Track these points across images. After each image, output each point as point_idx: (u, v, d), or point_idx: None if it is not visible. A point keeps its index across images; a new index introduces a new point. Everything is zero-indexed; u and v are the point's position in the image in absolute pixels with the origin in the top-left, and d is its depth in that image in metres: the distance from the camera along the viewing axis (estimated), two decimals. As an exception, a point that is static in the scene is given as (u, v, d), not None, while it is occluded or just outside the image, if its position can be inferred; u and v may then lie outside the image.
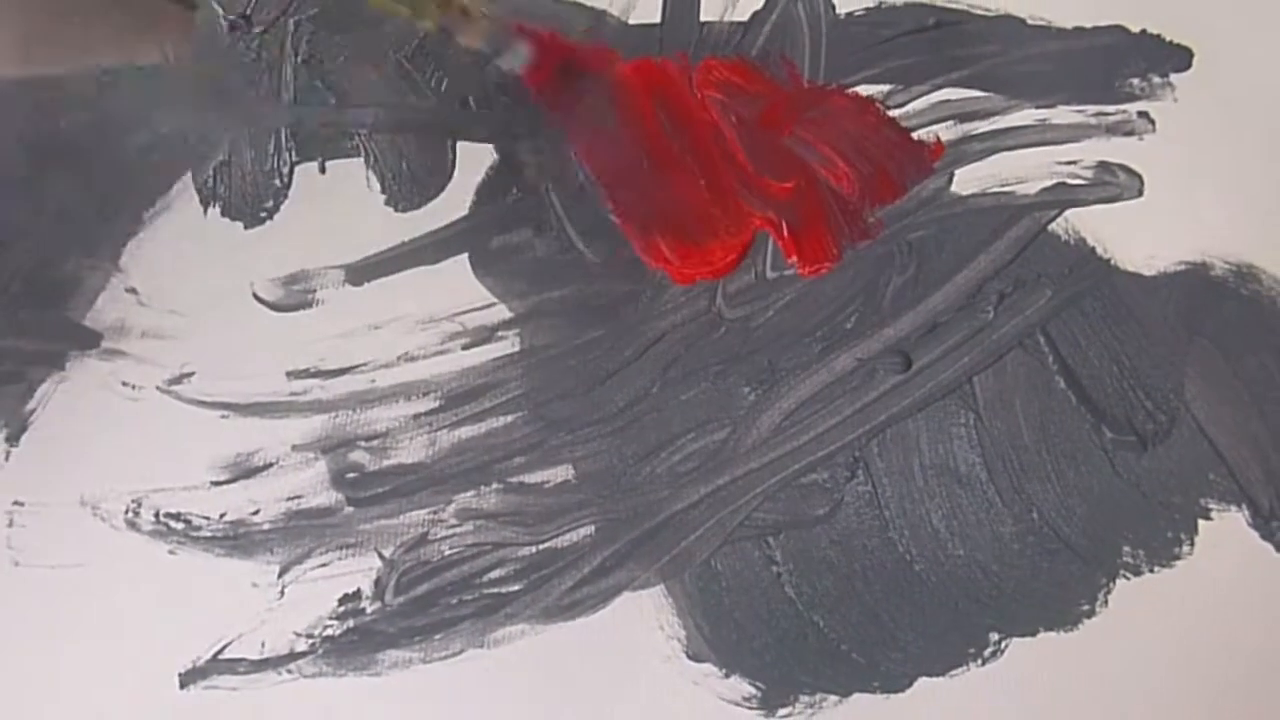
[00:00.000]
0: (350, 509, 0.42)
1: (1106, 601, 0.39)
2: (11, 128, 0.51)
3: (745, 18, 0.49)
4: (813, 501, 0.41)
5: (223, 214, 0.48)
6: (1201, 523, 0.40)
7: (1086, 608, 0.39)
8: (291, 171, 0.49)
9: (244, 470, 0.43)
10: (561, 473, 0.42)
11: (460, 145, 0.48)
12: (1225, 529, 0.40)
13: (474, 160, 0.47)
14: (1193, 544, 0.40)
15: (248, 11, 0.53)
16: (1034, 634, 0.39)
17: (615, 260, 0.45)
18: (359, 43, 0.51)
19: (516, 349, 0.44)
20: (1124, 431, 0.42)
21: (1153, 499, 0.41)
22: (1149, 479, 0.41)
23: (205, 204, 0.49)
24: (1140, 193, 0.45)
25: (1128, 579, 0.40)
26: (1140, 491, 0.41)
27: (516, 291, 0.45)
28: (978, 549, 0.40)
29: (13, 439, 0.44)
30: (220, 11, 0.53)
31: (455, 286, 0.45)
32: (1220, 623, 0.39)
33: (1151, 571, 0.40)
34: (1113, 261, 0.44)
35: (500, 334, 0.44)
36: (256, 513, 0.42)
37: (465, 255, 0.46)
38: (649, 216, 0.45)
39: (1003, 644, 0.39)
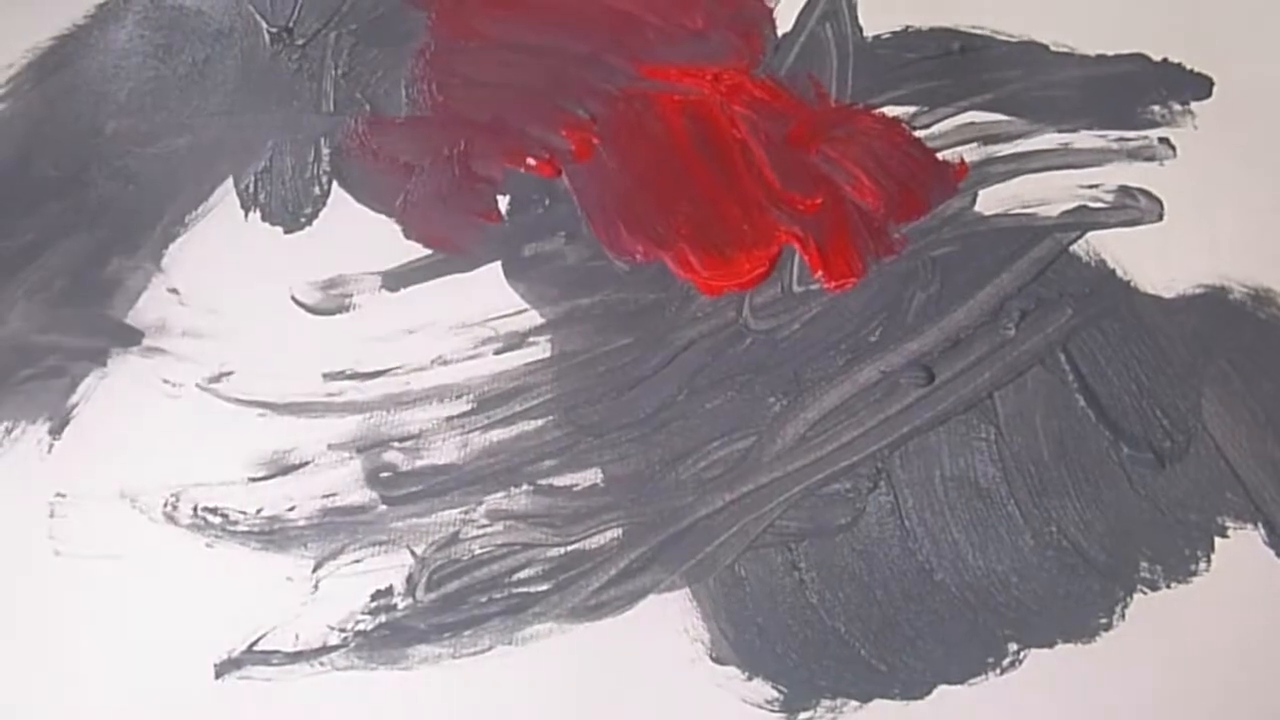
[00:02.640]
0: (384, 507, 0.43)
1: (1124, 615, 0.40)
2: (59, 131, 0.53)
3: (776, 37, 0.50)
4: (836, 510, 0.42)
5: (263, 219, 0.49)
6: (1218, 540, 0.41)
7: (1104, 621, 0.40)
8: (330, 179, 0.50)
9: (281, 467, 0.44)
10: (590, 476, 0.42)
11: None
12: (1241, 547, 0.41)
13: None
14: (1209, 561, 0.40)
15: (290, 24, 0.55)
16: (1052, 645, 0.39)
17: (644, 269, 0.46)
18: (397, 57, 0.53)
19: (547, 354, 0.45)
20: (1142, 449, 0.42)
21: (1170, 516, 0.41)
22: (1166, 496, 0.41)
23: (246, 209, 0.50)
24: (1160, 217, 0.46)
25: (1145, 594, 0.40)
26: (1158, 508, 0.41)
27: (548, 298, 0.46)
28: (997, 560, 0.41)
29: (55, 432, 0.45)
30: (264, 24, 0.55)
31: (488, 292, 0.46)
32: (1237, 638, 0.39)
33: (1169, 587, 0.40)
34: (1132, 283, 0.45)
35: (532, 339, 0.45)
36: (292, 509, 0.43)
37: (498, 262, 0.47)
38: (678, 227, 0.46)
39: (1021, 654, 0.39)
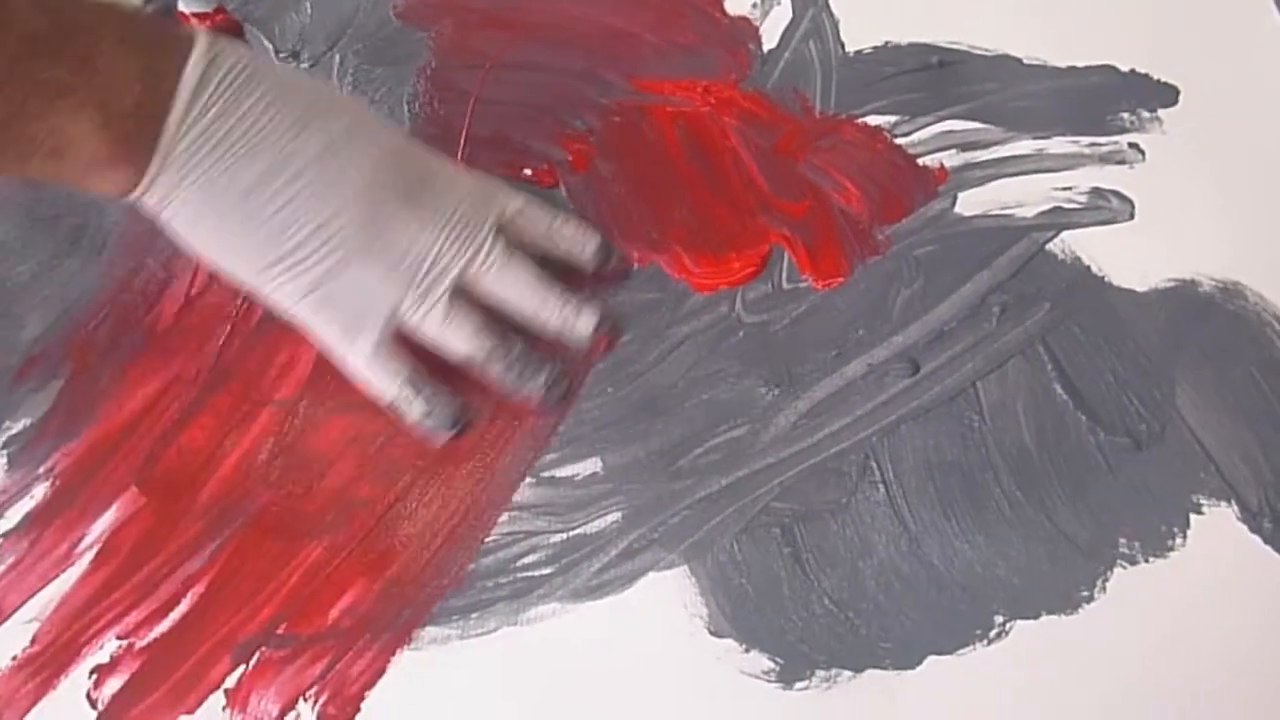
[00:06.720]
0: (394, 497, 0.44)
1: (1105, 588, 0.41)
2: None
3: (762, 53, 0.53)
4: (828, 493, 0.43)
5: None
6: (1193, 517, 0.43)
7: (1086, 594, 0.41)
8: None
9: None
10: (590, 465, 0.44)
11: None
12: (1215, 523, 0.42)
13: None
14: (1185, 537, 0.42)
15: (297, 48, 0.57)
16: (1037, 617, 0.41)
17: (640, 270, 0.48)
18: (399, 76, 0.55)
19: (550, 351, 0.46)
20: (1119, 434, 0.44)
21: (1147, 496, 0.43)
22: (1143, 478, 0.43)
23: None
24: (1132, 216, 0.48)
25: (1125, 568, 0.42)
26: (1135, 489, 0.43)
27: (549, 299, 0.47)
28: (983, 539, 0.42)
29: (74, 432, 0.47)
30: (271, 47, 0.57)
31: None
32: (1211, 608, 0.41)
33: (1147, 561, 0.42)
34: (1107, 279, 0.47)
35: (534, 338, 0.47)
36: (305, 499, 0.44)
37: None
38: (672, 231, 0.48)
39: (1007, 626, 0.41)
